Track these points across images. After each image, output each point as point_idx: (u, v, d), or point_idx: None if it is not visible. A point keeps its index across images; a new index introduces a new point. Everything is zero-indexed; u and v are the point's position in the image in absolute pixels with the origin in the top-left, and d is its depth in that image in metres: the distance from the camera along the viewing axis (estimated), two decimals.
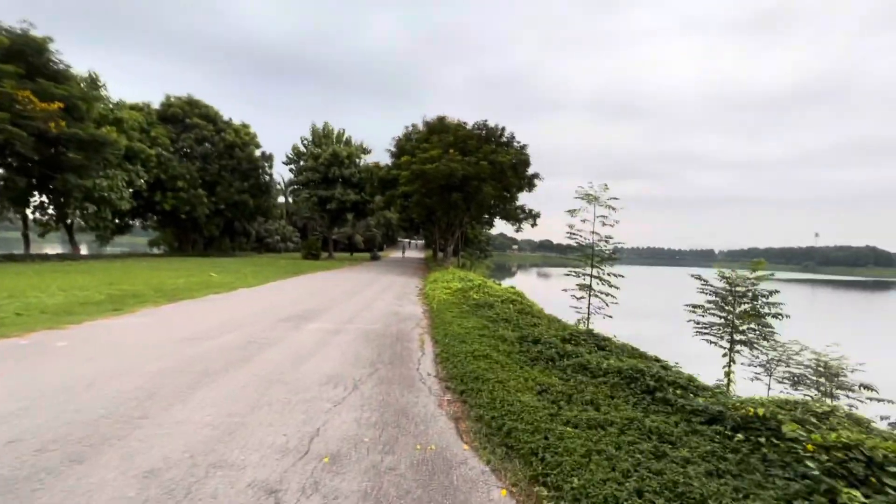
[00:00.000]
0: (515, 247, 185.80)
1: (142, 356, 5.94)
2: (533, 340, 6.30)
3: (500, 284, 18.87)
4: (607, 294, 11.48)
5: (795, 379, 6.38)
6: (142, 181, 32.32)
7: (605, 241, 11.68)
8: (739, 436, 3.31)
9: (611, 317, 11.25)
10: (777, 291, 7.26)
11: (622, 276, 11.38)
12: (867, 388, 5.71)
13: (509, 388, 4.88)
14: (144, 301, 10.60)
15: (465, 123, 26.53)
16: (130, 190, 31.13)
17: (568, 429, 3.82)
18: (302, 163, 43.63)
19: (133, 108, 34.72)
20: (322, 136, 44.35)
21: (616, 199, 11.27)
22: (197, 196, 37.19)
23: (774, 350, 7.00)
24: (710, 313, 7.99)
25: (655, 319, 24.25)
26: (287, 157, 44.72)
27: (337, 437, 3.84)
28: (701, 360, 7.60)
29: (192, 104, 39.66)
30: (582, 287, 11.80)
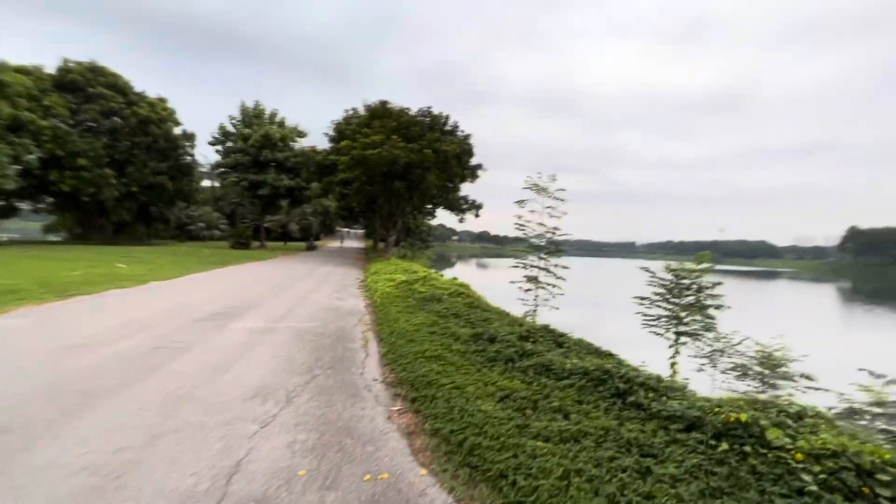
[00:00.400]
0: (455, 237, 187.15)
1: (5, 373, 4.68)
2: (489, 338, 5.85)
3: (442, 275, 18.44)
4: (553, 286, 11.45)
5: (742, 370, 6.54)
6: (32, 157, 27.83)
7: (552, 233, 11.63)
8: (724, 445, 3.05)
9: (557, 308, 11.22)
10: (720, 283, 7.43)
11: (567, 268, 11.37)
12: (807, 377, 5.95)
13: (468, 395, 4.37)
14: (24, 298, 8.80)
15: (408, 109, 25.63)
16: (17, 167, 26.65)
17: (539, 443, 3.37)
18: (230, 144, 40.17)
19: (19, 70, 29.64)
20: (253, 116, 41.09)
21: (563, 189, 11.23)
22: (103, 176, 32.81)
23: (718, 341, 7.16)
24: (656, 305, 8.04)
25: (589, 308, 25.22)
26: (213, 137, 40.87)
27: (264, 471, 3.08)
28: (633, 347, 7.54)
29: (95, 71, 34.75)
30: (530, 279, 11.67)
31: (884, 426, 4.52)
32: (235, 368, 5.30)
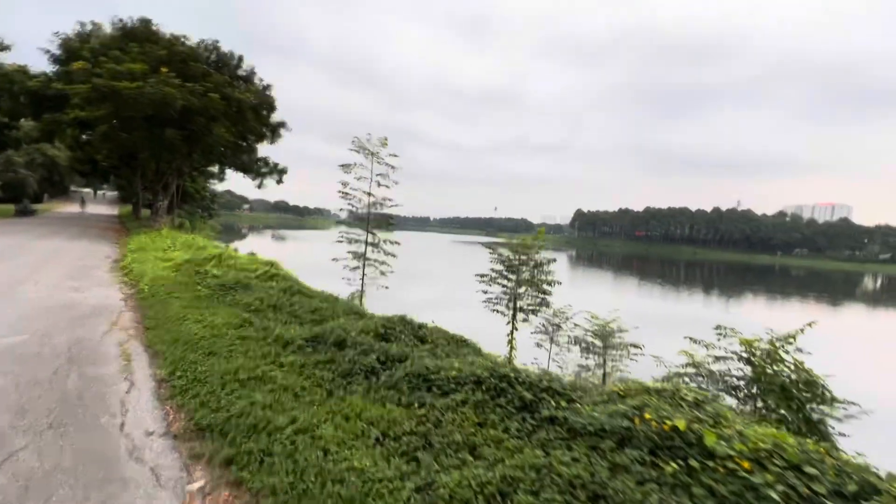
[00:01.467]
0: (247, 206, 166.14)
1: None
2: (336, 342, 4.31)
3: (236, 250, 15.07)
4: (383, 262, 10.39)
5: (584, 345, 6.83)
6: None
7: (382, 204, 10.47)
8: (672, 465, 2.53)
9: (387, 287, 10.24)
10: (554, 260, 7.66)
11: (398, 244, 10.46)
12: (635, 346, 6.56)
13: (324, 441, 2.88)
14: None
15: (184, 38, 19.82)
16: None
17: None
18: None
19: None
20: None
21: (395, 156, 10.12)
22: None
23: (556, 316, 7.37)
24: (496, 283, 7.85)
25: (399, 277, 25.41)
26: None
27: None
28: (440, 312, 7.29)
29: None
30: (356, 255, 10.30)
31: (701, 385, 5.14)
32: None
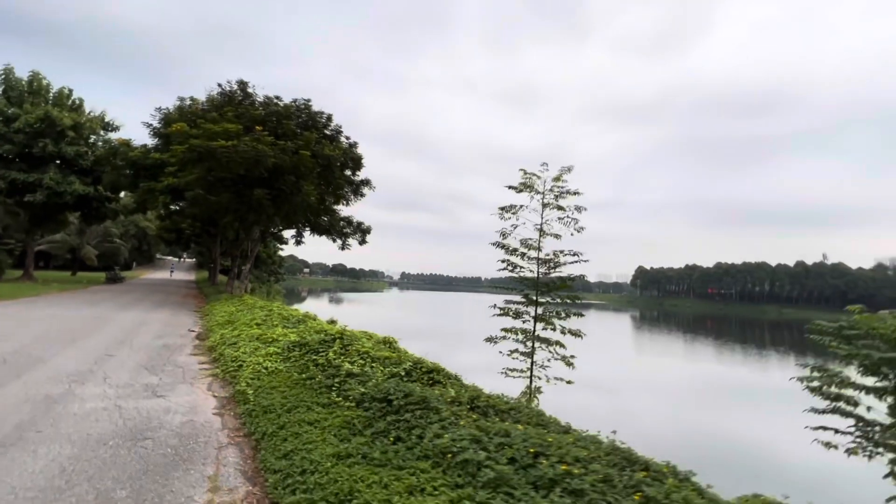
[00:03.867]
0: (307, 270, 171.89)
1: None
2: None
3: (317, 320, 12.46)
4: (558, 343, 7.23)
5: None
6: None
7: (556, 259, 7.52)
8: None
9: (571, 382, 7.00)
10: None
11: (582, 315, 7.32)
12: None
13: None
14: None
15: (278, 99, 19.36)
16: None
17: None
18: None
19: None
20: (27, 92, 28.63)
21: (579, 193, 7.28)
22: None
23: None
24: (835, 401, 4.38)
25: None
26: None
27: None
28: None
29: None
30: (525, 335, 7.24)
31: None
32: None
